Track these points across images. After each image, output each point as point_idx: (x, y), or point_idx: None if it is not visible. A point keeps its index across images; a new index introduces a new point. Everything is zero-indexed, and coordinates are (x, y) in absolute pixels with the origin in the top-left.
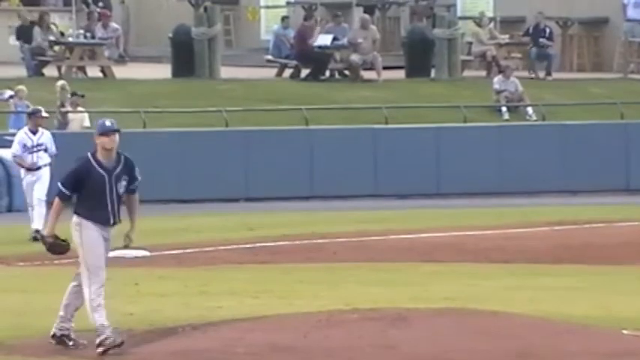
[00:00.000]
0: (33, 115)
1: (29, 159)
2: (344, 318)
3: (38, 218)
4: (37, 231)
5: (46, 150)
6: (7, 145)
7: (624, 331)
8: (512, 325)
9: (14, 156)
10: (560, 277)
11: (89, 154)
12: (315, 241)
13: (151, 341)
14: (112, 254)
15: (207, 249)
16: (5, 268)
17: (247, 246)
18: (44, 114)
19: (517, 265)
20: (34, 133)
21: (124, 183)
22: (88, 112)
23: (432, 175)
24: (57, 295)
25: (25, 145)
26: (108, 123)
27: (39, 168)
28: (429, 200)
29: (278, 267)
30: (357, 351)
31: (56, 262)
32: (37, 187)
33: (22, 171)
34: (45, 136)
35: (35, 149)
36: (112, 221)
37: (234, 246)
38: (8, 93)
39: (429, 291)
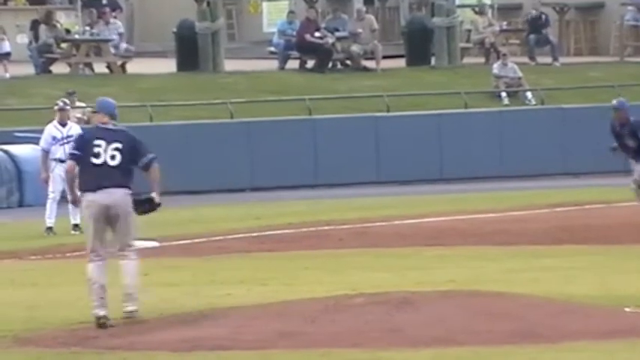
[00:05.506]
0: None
1: (60, 151)
2: (350, 303)
3: (74, 213)
4: (77, 225)
5: None
6: (18, 141)
7: (626, 309)
8: (515, 306)
9: (42, 150)
10: (562, 257)
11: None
12: (320, 228)
13: (161, 329)
14: None
15: (215, 238)
16: (17, 262)
17: (254, 235)
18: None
19: (519, 247)
20: (63, 125)
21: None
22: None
23: (434, 161)
24: (68, 287)
25: (54, 138)
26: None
27: None
28: (432, 186)
29: (284, 254)
30: (364, 335)
31: (68, 254)
32: None
33: (52, 162)
34: (74, 129)
35: (66, 140)
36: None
37: (242, 235)
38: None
39: (434, 275)
